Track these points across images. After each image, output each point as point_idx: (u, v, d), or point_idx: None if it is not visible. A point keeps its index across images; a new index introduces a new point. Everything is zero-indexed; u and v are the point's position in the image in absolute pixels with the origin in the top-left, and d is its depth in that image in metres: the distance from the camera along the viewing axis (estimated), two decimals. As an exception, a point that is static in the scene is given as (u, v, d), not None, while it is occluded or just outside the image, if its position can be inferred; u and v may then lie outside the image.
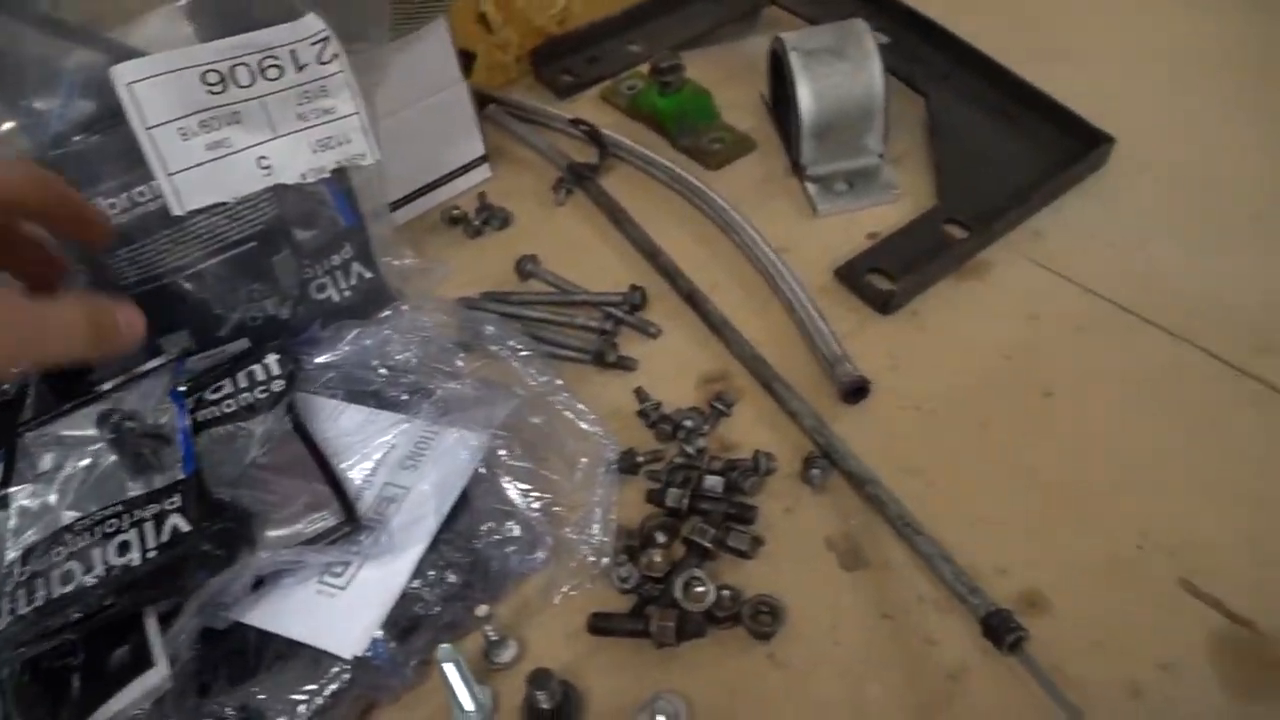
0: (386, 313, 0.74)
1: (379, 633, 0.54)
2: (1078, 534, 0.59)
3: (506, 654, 0.56)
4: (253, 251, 0.70)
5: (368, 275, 0.76)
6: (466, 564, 0.57)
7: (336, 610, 0.54)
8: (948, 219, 0.77)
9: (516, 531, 0.60)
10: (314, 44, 0.65)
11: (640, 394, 0.69)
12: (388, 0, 0.71)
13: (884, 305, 0.72)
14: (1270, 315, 0.69)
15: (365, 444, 0.62)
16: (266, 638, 0.54)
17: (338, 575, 0.55)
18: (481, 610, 0.55)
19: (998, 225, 0.75)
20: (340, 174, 0.71)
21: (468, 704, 0.54)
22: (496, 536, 0.59)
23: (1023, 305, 0.72)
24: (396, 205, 0.85)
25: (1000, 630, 0.52)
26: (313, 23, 0.64)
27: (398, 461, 0.61)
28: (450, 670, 0.53)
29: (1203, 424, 0.64)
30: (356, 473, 0.60)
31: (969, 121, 0.85)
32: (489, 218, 0.85)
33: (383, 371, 0.68)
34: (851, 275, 0.74)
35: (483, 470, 0.60)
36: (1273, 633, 0.54)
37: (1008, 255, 0.76)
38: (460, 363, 0.70)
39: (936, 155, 0.82)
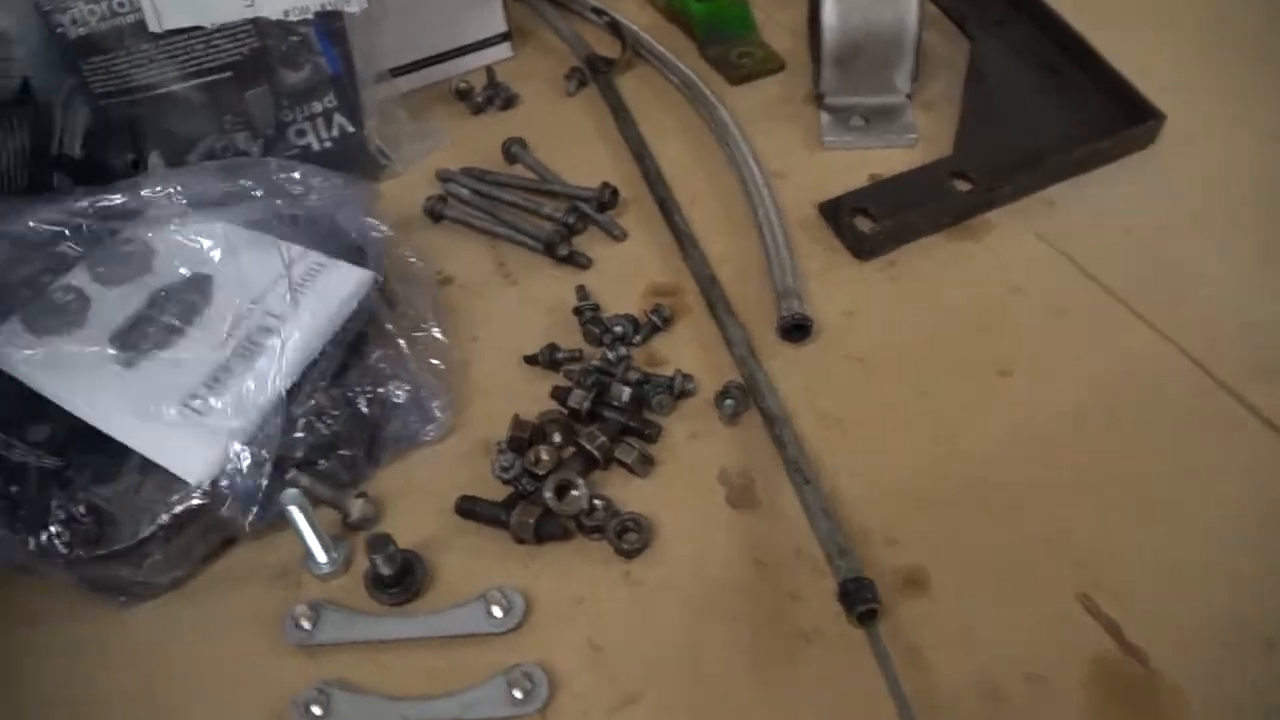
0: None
1: (241, 462, 0.54)
2: (985, 524, 0.55)
3: (355, 513, 0.55)
4: (228, 82, 0.69)
5: (350, 129, 0.75)
6: (345, 416, 0.56)
7: (193, 433, 0.54)
8: (956, 171, 0.71)
9: (401, 397, 0.59)
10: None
11: (580, 291, 0.67)
12: None
13: (860, 248, 0.68)
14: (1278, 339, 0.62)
15: (256, 268, 0.61)
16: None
17: (200, 399, 0.55)
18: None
19: (1008, 187, 0.69)
20: (328, 19, 0.70)
21: (319, 554, 0.54)
22: (385, 396, 0.58)
23: (1009, 275, 0.66)
24: (408, 70, 0.83)
25: (853, 598, 0.48)
26: None
27: (284, 290, 0.60)
28: (296, 514, 0.53)
29: (1167, 438, 0.58)
30: (243, 296, 0.60)
31: (1011, 73, 0.78)
32: (493, 96, 0.83)
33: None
34: (835, 212, 0.70)
35: (389, 326, 0.59)
36: (1163, 671, 0.48)
37: (1011, 221, 0.70)
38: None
39: (965, 104, 0.76)
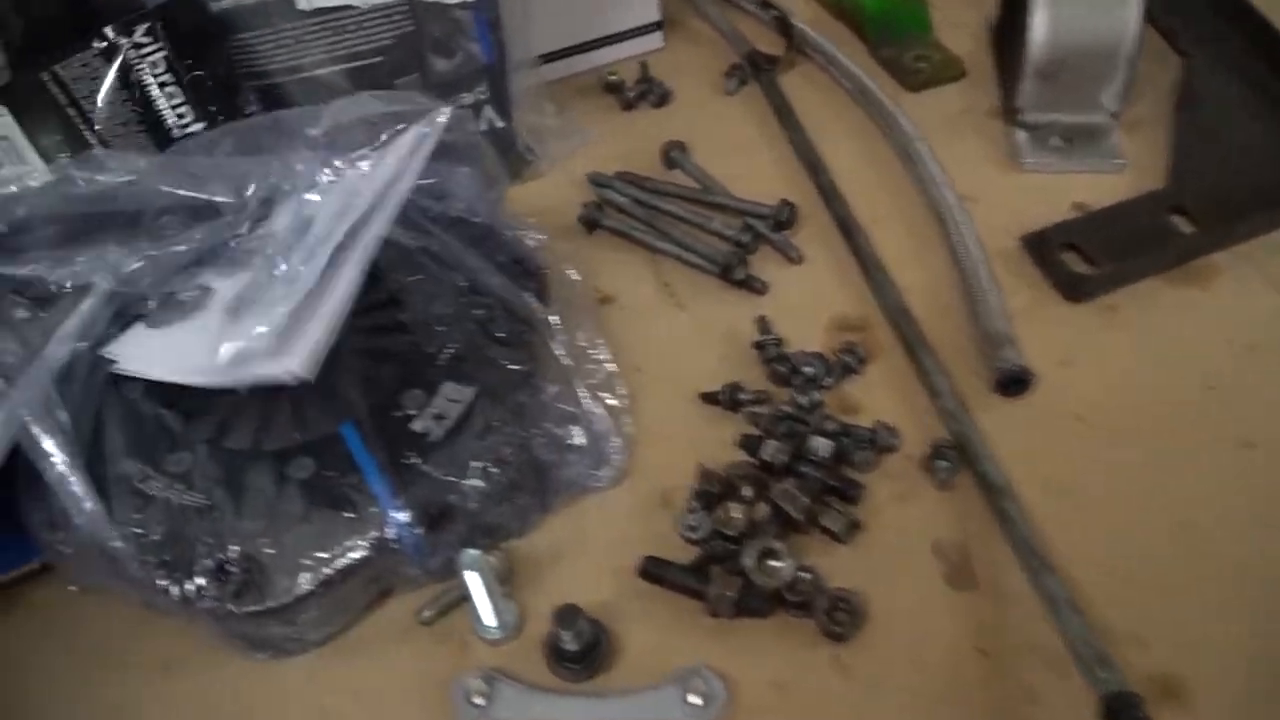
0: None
1: (406, 516, 0.48)
2: (1247, 625, 0.48)
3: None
4: (378, 67, 0.63)
5: (499, 124, 0.69)
6: (519, 462, 0.50)
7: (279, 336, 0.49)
8: (1174, 207, 0.64)
9: (580, 440, 0.52)
10: None
11: (762, 324, 0.60)
12: None
13: (1074, 290, 0.61)
14: None
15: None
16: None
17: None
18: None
19: (1237, 228, 0.62)
20: (487, 2, 0.63)
21: (487, 618, 0.48)
22: (559, 440, 0.52)
23: (1243, 330, 0.59)
24: (553, 58, 0.77)
25: (1123, 718, 0.42)
26: None
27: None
28: (472, 579, 0.47)
29: None
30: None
31: (1229, 98, 0.70)
32: (647, 90, 0.76)
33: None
34: (1042, 246, 0.63)
35: (561, 353, 0.53)
36: None
37: (1239, 266, 0.62)
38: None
39: (1179, 129, 0.69)
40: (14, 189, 0.54)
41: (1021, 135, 0.70)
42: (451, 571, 0.50)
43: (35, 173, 0.56)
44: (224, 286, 0.52)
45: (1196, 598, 0.49)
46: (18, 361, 0.47)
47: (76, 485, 0.45)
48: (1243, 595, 0.49)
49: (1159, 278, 0.62)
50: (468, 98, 0.66)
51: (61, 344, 0.48)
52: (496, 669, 0.48)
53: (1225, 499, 0.52)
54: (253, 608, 0.46)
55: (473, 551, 0.46)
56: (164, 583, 0.46)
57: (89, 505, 0.45)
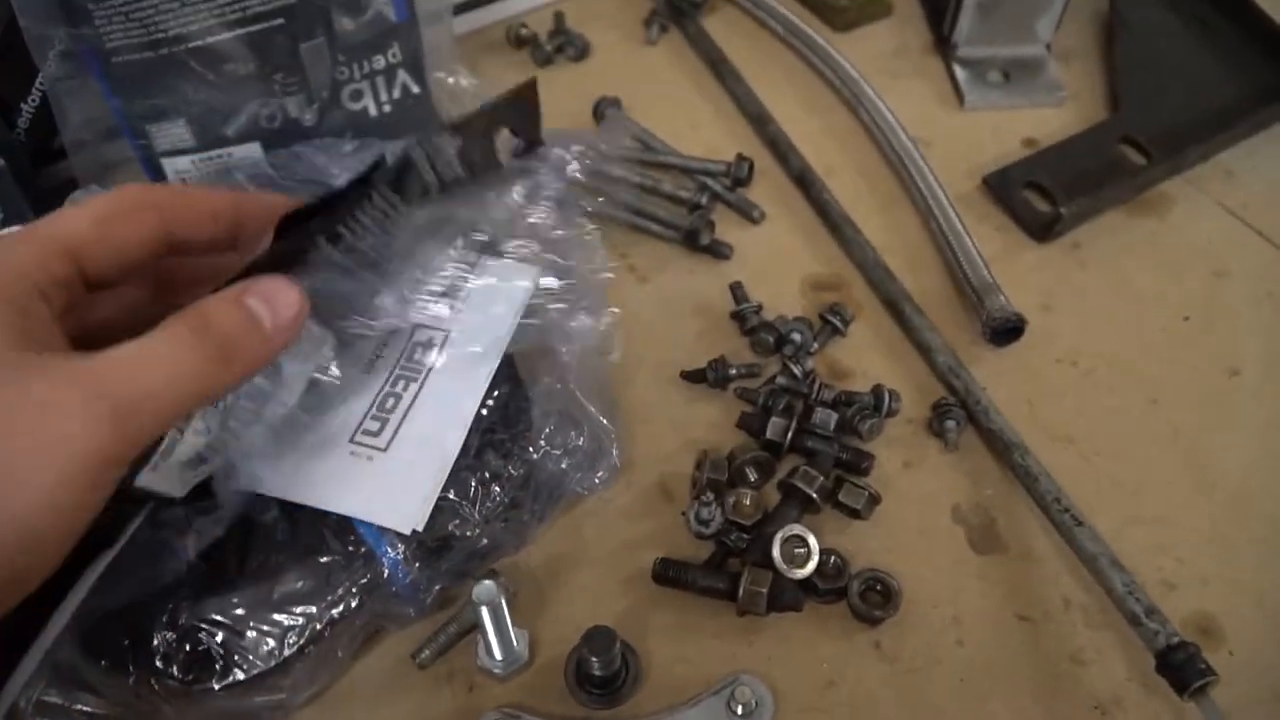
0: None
1: (397, 552, 0.42)
2: (1264, 553, 0.48)
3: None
4: (279, 30, 0.54)
5: (414, 89, 0.61)
6: (519, 478, 0.44)
7: (379, 477, 0.42)
8: (1124, 138, 0.63)
9: (580, 442, 0.47)
10: None
11: (737, 290, 0.56)
12: None
13: (1042, 230, 0.59)
14: None
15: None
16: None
17: (374, 435, 0.43)
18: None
19: (1188, 154, 0.62)
20: (398, -49, 0.55)
21: (499, 651, 0.43)
22: (557, 448, 0.46)
23: (1207, 257, 0.59)
24: (456, 12, 0.69)
25: (1186, 671, 0.41)
26: None
27: (431, 295, 0.47)
28: (486, 614, 0.41)
29: None
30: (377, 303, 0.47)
31: (1159, 25, 0.70)
32: (564, 44, 0.70)
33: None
34: (1004, 186, 0.61)
35: (562, 350, 0.47)
36: None
37: (1192, 193, 0.62)
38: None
39: (1116, 59, 0.68)
40: None
41: (962, 72, 0.68)
42: (443, 606, 0.45)
43: None
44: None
45: (1214, 533, 0.48)
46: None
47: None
48: (1256, 525, 0.49)
49: (1119, 211, 0.61)
50: (380, 61, 0.58)
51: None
52: (515, 705, 0.43)
53: (1223, 428, 0.52)
54: (227, 681, 0.39)
55: (488, 583, 0.40)
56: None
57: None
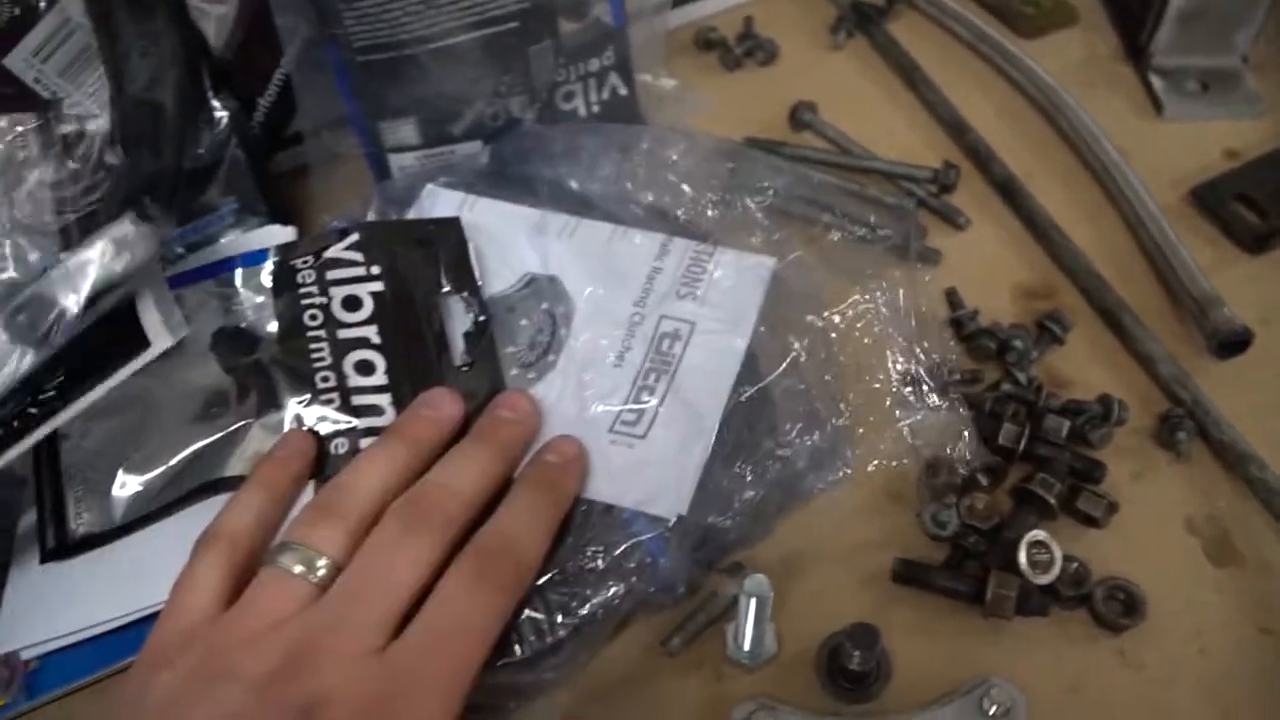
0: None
1: (663, 539, 0.43)
2: None
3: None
4: (512, 34, 0.56)
5: (622, 92, 0.63)
6: (773, 474, 0.45)
7: (641, 465, 0.44)
8: (1335, 150, 0.62)
9: (817, 439, 0.48)
10: None
11: (952, 296, 0.56)
12: None
13: (1257, 242, 0.59)
14: None
15: (616, 265, 0.51)
16: None
17: (631, 424, 0.45)
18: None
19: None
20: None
21: (747, 642, 0.44)
22: (798, 443, 0.47)
23: None
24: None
25: None
26: None
27: (669, 288, 0.49)
28: (754, 605, 0.42)
29: None
30: (620, 300, 0.49)
31: (1358, 36, 0.69)
32: (753, 48, 0.71)
33: (646, 198, 0.55)
34: (1214, 198, 0.60)
35: (795, 348, 0.48)
36: None
37: (1404, 209, 0.61)
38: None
39: (1317, 70, 0.67)
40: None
41: (1159, 82, 0.67)
42: (691, 595, 0.46)
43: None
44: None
45: None
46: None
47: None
48: None
49: (1328, 225, 0.61)
50: (594, 64, 0.60)
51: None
52: (769, 696, 0.44)
53: None
54: (501, 660, 0.41)
55: (759, 576, 0.42)
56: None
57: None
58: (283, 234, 0.53)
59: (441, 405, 0.43)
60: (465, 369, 0.46)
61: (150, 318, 0.45)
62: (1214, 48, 0.67)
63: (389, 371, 0.44)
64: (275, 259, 0.49)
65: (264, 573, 0.37)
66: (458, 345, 0.46)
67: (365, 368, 0.45)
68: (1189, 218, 0.61)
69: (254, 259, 0.50)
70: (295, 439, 0.43)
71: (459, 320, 0.47)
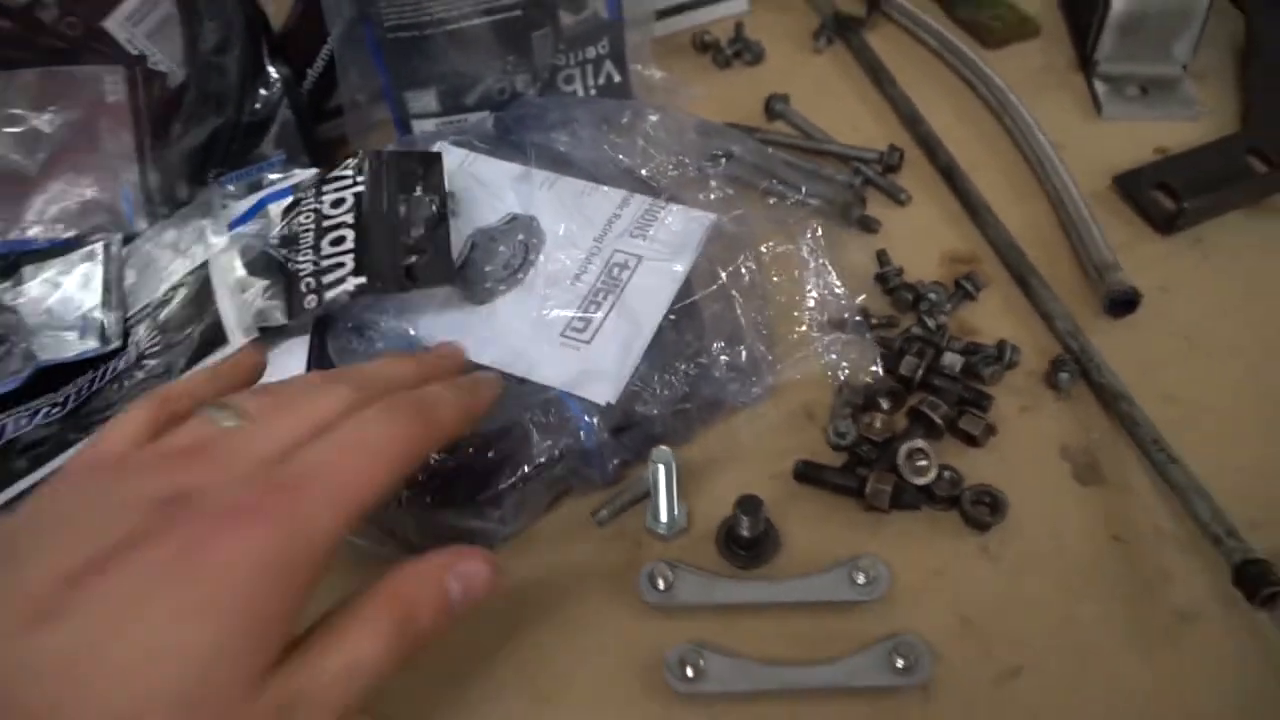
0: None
1: (592, 420, 0.52)
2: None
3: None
4: (517, 20, 0.67)
5: (616, 78, 0.73)
6: (692, 376, 0.54)
7: (584, 361, 0.54)
8: (1251, 149, 0.69)
9: (742, 357, 0.57)
10: None
11: (882, 257, 0.65)
12: None
13: (1166, 224, 0.66)
14: None
15: (585, 211, 0.61)
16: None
17: (579, 331, 0.55)
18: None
19: (1312, 167, 0.67)
20: (610, -38, 0.67)
21: (663, 514, 0.53)
22: (724, 357, 0.56)
23: (1322, 259, 0.64)
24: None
25: (1257, 580, 0.47)
26: None
27: (624, 230, 0.59)
28: (661, 473, 0.51)
29: None
30: (583, 236, 0.59)
31: (1291, 50, 0.75)
32: (742, 49, 0.81)
33: (621, 160, 0.65)
34: (1134, 186, 0.68)
35: (722, 278, 0.57)
36: None
37: (1313, 202, 0.68)
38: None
39: (1249, 80, 0.74)
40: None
41: (1101, 86, 0.75)
42: (621, 477, 0.55)
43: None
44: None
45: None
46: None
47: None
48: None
49: (1240, 212, 0.67)
50: (591, 51, 0.70)
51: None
52: (672, 560, 0.52)
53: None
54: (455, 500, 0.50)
55: (664, 448, 0.51)
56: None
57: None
58: (303, 175, 0.64)
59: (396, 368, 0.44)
60: (419, 246, 0.55)
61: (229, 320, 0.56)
62: (1154, 56, 0.75)
63: (355, 240, 0.55)
64: (295, 196, 0.60)
65: (190, 422, 0.36)
66: (418, 228, 0.56)
67: (338, 241, 0.55)
68: (1111, 202, 0.69)
69: (284, 194, 0.61)
70: (249, 350, 0.50)
71: (422, 209, 0.57)
